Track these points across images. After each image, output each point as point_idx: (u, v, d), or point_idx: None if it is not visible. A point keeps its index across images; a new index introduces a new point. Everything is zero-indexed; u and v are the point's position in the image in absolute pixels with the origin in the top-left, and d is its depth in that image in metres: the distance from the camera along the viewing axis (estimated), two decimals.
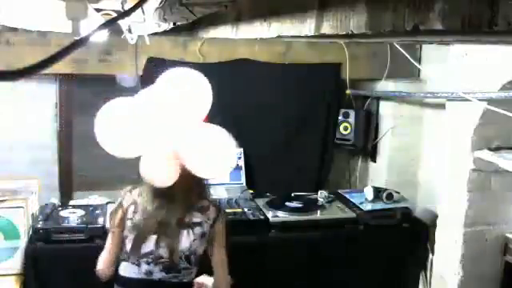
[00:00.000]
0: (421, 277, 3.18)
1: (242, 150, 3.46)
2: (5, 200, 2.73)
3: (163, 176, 1.96)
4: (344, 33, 0.90)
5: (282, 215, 3.00)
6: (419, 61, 3.35)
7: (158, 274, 2.07)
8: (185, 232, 2.08)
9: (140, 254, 2.06)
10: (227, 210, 2.99)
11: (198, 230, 2.11)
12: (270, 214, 2.97)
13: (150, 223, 2.05)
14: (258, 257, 2.90)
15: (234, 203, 3.13)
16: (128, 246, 2.08)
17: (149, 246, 2.06)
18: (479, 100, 2.49)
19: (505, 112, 2.37)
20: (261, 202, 3.18)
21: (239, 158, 3.45)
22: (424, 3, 0.70)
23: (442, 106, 2.96)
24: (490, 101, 2.46)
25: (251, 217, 2.95)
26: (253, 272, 2.89)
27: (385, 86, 3.46)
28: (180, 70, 2.01)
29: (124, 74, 3.14)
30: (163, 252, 2.06)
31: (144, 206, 2.07)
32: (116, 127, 1.92)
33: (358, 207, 3.12)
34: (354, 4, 0.85)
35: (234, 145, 2.05)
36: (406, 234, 3.14)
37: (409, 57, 3.08)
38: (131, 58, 3.08)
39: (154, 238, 2.06)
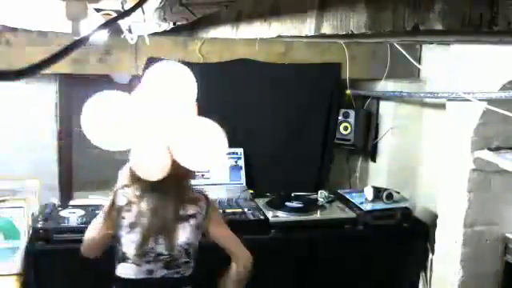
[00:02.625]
0: (421, 277, 3.18)
1: (241, 149, 3.46)
2: (5, 200, 2.73)
3: (154, 169, 1.94)
4: (344, 33, 0.90)
5: (281, 215, 3.00)
6: (419, 61, 3.35)
7: (159, 272, 2.06)
8: (181, 226, 2.08)
9: (144, 254, 2.03)
10: (227, 210, 3.00)
11: (192, 221, 2.10)
12: (269, 214, 2.97)
13: (153, 221, 2.03)
14: (257, 257, 2.89)
15: (234, 203, 3.13)
16: (126, 246, 2.04)
17: (150, 244, 2.05)
18: (479, 100, 2.49)
19: (505, 112, 2.37)
20: (261, 202, 3.17)
21: (239, 158, 3.45)
22: (424, 3, 0.70)
23: (442, 106, 2.96)
24: (490, 101, 2.46)
25: (251, 217, 2.95)
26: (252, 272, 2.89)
27: (385, 86, 3.46)
28: (165, 64, 1.99)
29: (120, 72, 3.14)
30: (162, 249, 2.05)
31: (139, 204, 2.04)
32: (103, 118, 1.90)
33: (358, 207, 3.12)
34: (354, 4, 0.85)
35: (224, 137, 2.02)
36: (406, 234, 3.14)
37: (409, 57, 3.09)
38: (131, 58, 3.08)
39: (153, 237, 2.05)
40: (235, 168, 3.44)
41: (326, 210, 3.12)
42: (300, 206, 3.12)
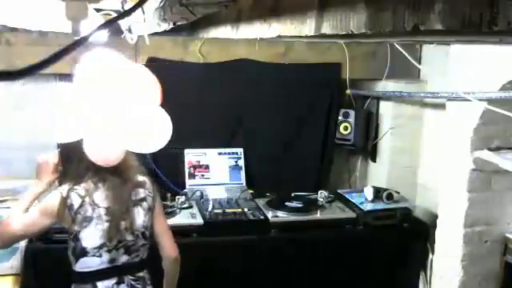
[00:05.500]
0: (421, 277, 3.18)
1: (241, 150, 3.46)
2: (5, 200, 2.73)
3: (112, 154, 1.93)
4: (344, 33, 0.90)
5: (281, 215, 3.00)
6: (419, 61, 3.35)
7: (121, 259, 2.06)
8: (136, 209, 2.10)
9: (107, 244, 2.01)
10: (227, 210, 3.00)
11: (145, 205, 2.13)
12: (269, 214, 2.97)
13: (115, 208, 2.02)
14: (258, 257, 2.90)
15: (234, 203, 3.13)
16: (86, 240, 2.00)
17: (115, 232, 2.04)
18: (479, 100, 2.49)
19: (505, 112, 2.37)
20: (261, 202, 3.18)
21: (239, 158, 3.45)
22: (424, 3, 0.70)
23: (442, 106, 2.96)
24: (490, 101, 2.46)
25: (251, 217, 2.95)
26: (253, 272, 2.89)
27: (385, 85, 3.46)
28: (96, 51, 1.94)
29: None
30: (125, 234, 2.05)
31: (92, 197, 2.01)
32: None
33: (358, 207, 3.12)
34: (354, 4, 0.85)
35: (168, 118, 2.02)
36: (406, 234, 3.14)
37: (409, 57, 3.08)
38: (131, 58, 3.07)
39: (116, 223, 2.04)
40: (235, 168, 3.44)
41: (326, 210, 3.12)
42: (300, 205, 3.12)
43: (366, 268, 3.05)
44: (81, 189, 2.01)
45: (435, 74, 3.24)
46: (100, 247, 2.02)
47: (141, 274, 2.13)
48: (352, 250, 3.02)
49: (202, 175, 3.37)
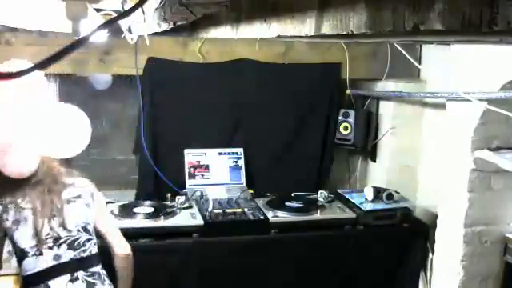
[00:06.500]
0: (421, 277, 3.18)
1: (241, 150, 3.46)
2: None
3: (23, 166, 1.94)
4: (344, 33, 0.90)
5: (281, 215, 3.00)
6: (419, 61, 3.35)
7: (66, 255, 2.05)
8: (71, 206, 2.09)
9: (42, 241, 2.01)
10: (227, 210, 3.00)
11: (80, 201, 2.13)
12: (269, 214, 2.97)
13: (40, 207, 2.01)
14: (258, 257, 2.90)
15: (234, 203, 3.13)
16: (21, 241, 2.01)
17: (45, 229, 2.03)
18: (479, 100, 2.49)
19: (505, 112, 2.37)
20: (261, 202, 3.17)
21: (239, 158, 3.45)
22: (424, 3, 0.70)
23: (442, 106, 2.96)
24: (490, 101, 2.46)
25: (251, 217, 2.95)
26: (253, 272, 2.89)
27: (385, 85, 3.46)
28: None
29: (97, 75, 3.13)
30: (59, 230, 2.04)
31: (15, 201, 2.01)
32: None
33: (358, 207, 3.12)
34: (354, 4, 0.85)
35: (84, 117, 2.00)
36: (406, 234, 3.14)
37: (409, 57, 3.08)
38: (131, 58, 3.08)
39: (45, 221, 2.03)
40: (235, 168, 3.44)
41: (326, 210, 3.12)
42: (300, 205, 3.12)
43: (366, 268, 3.05)
44: (2, 200, 2.02)
45: (435, 74, 3.24)
46: (38, 245, 2.01)
47: (95, 269, 2.11)
48: (352, 250, 3.02)
49: (202, 175, 3.37)
